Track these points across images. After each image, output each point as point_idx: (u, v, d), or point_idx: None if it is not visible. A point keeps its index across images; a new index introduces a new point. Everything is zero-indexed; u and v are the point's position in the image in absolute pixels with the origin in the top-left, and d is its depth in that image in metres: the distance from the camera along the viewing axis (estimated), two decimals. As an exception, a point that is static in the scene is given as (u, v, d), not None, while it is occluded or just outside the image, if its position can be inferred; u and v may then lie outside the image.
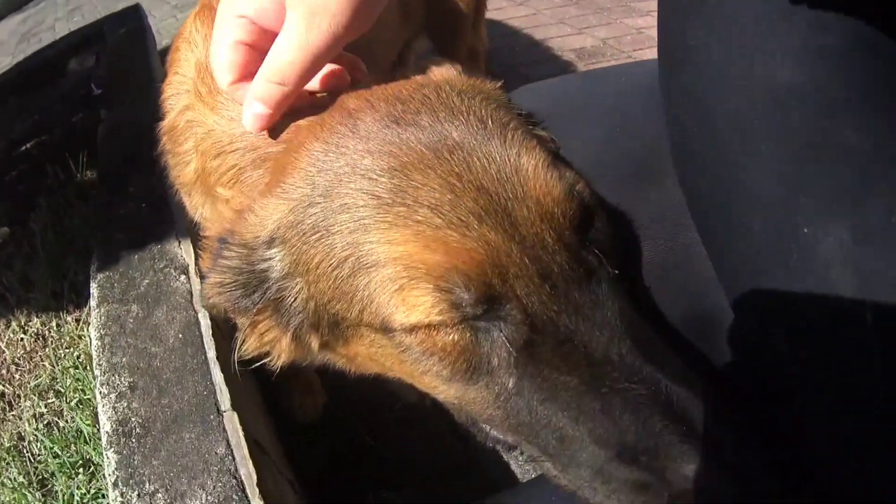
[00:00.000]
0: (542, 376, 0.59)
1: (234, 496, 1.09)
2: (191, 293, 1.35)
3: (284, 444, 1.48)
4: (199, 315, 1.28)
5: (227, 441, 1.12)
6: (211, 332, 1.25)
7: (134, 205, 1.67)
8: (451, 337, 0.60)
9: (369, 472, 1.45)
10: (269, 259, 0.70)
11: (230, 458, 1.11)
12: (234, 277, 0.70)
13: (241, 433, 1.11)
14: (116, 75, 2.46)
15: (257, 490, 1.07)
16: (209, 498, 1.11)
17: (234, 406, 1.15)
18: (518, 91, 1.07)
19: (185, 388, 1.21)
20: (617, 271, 0.64)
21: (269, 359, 0.76)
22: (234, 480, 1.10)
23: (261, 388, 1.55)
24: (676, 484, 0.53)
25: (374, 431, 1.53)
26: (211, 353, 1.21)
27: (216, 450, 1.13)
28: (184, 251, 1.46)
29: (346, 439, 1.52)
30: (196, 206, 1.04)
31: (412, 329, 0.60)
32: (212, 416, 1.16)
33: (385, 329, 0.63)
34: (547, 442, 0.61)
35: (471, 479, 1.39)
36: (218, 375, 1.18)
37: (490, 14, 2.58)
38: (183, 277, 1.39)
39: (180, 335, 1.28)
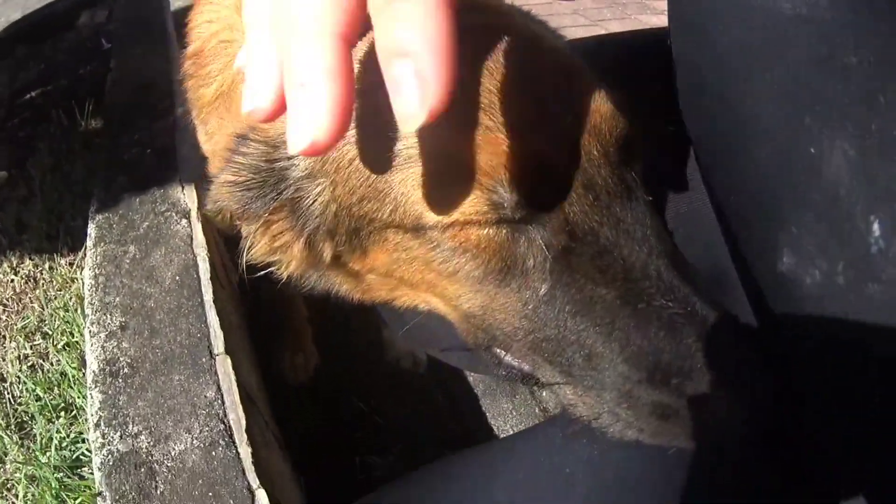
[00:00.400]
0: (577, 286, 0.57)
1: (221, 441, 1.06)
2: (191, 237, 1.32)
3: (273, 405, 1.45)
4: (199, 258, 1.25)
5: (218, 385, 1.09)
6: (209, 276, 1.21)
7: (139, 151, 1.64)
8: (487, 232, 0.58)
9: (359, 438, 1.42)
10: (293, 156, 0.66)
11: (219, 402, 1.08)
12: (249, 175, 0.67)
13: (232, 377, 1.08)
14: (129, 28, 2.43)
15: (245, 436, 1.04)
16: (195, 442, 1.08)
17: (228, 351, 1.12)
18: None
19: (178, 330, 1.17)
20: (651, 198, 0.62)
21: (277, 267, 0.72)
22: (221, 425, 1.07)
23: (254, 348, 1.52)
24: (705, 409, 0.52)
25: (367, 397, 1.50)
26: (208, 296, 1.18)
27: (206, 393, 1.10)
28: (187, 196, 1.43)
29: (337, 404, 1.49)
30: (211, 133, 1.01)
31: (449, 226, 0.58)
32: (204, 360, 1.12)
33: (417, 227, 0.60)
34: (572, 361, 0.58)
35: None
36: (213, 319, 1.15)
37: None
38: (184, 221, 1.36)
39: (177, 277, 1.25)
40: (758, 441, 0.52)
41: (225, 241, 1.56)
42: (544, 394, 1.45)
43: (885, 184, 0.46)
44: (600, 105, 0.61)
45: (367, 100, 0.59)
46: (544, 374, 0.62)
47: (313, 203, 0.67)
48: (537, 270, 0.59)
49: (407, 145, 0.59)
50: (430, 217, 0.58)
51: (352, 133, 0.61)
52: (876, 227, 0.47)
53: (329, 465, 1.38)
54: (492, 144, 0.56)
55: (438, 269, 0.62)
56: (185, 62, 1.03)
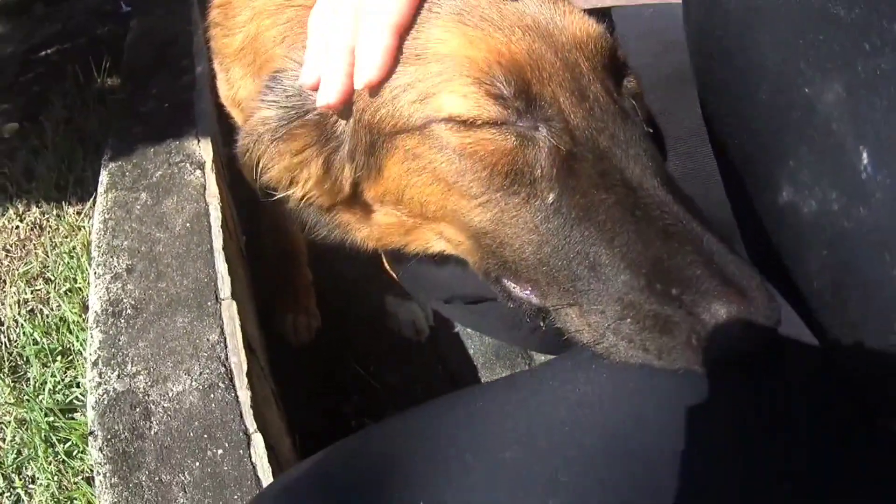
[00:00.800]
0: (581, 192, 0.59)
1: (221, 384, 1.06)
2: (204, 187, 1.32)
3: (272, 363, 1.45)
4: (210, 207, 1.25)
5: (222, 329, 1.09)
6: (220, 224, 1.21)
7: (155, 104, 1.64)
8: (493, 135, 0.61)
9: (355, 401, 1.42)
10: None
11: (222, 345, 1.08)
12: (283, 102, 0.70)
13: (237, 322, 1.08)
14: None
15: (245, 380, 1.04)
16: (194, 383, 1.08)
17: (235, 297, 1.12)
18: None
19: (185, 274, 1.17)
20: (650, 130, 0.66)
21: (293, 186, 0.74)
22: (222, 368, 1.07)
23: (256, 306, 1.52)
24: (706, 320, 0.52)
25: (366, 363, 1.49)
26: (217, 243, 1.18)
27: (209, 336, 1.10)
28: (202, 149, 1.43)
29: (336, 367, 1.49)
30: (233, 81, 1.01)
31: (451, 120, 0.61)
32: (209, 303, 1.12)
33: (423, 126, 0.63)
34: (578, 274, 0.59)
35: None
36: (222, 265, 1.15)
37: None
38: (198, 172, 1.36)
39: (188, 224, 1.24)
40: (760, 350, 0.54)
41: (234, 198, 1.56)
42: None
43: (871, 117, 0.50)
44: (586, 25, 0.66)
45: None
46: (551, 298, 0.63)
47: (336, 121, 0.71)
48: (545, 178, 0.61)
49: (413, 47, 0.64)
50: (434, 113, 0.62)
51: None
52: (865, 155, 0.50)
53: (324, 426, 1.38)
54: (488, 43, 0.61)
55: (446, 177, 0.64)
56: (212, 10, 1.04)
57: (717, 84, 0.71)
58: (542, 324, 0.66)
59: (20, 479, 1.37)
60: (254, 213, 1.66)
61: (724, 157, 0.74)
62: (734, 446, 0.57)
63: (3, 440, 1.46)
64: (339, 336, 1.56)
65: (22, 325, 1.58)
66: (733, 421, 0.58)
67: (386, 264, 1.39)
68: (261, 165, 0.74)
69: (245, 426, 1.01)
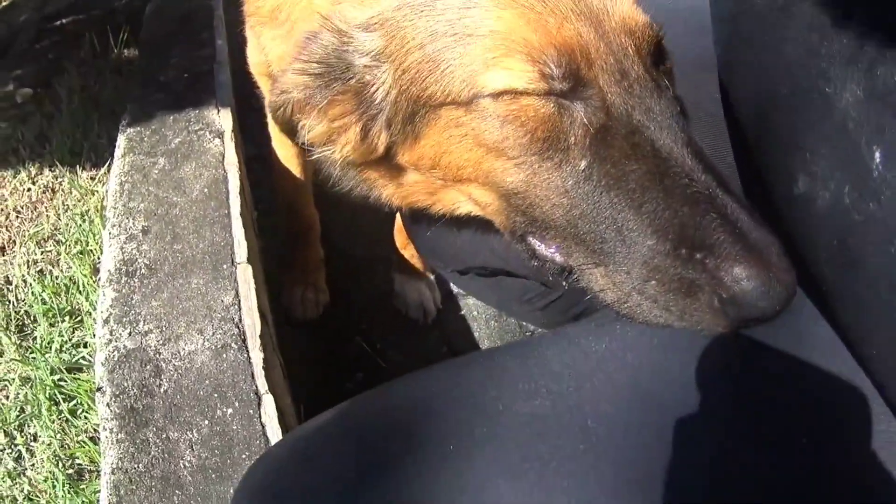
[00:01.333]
0: (612, 161, 0.62)
1: (234, 345, 1.07)
2: (223, 154, 1.33)
3: (279, 338, 1.46)
4: (229, 174, 1.27)
5: (237, 291, 1.10)
6: (238, 191, 1.23)
7: (175, 73, 1.65)
8: (536, 102, 0.64)
9: (360, 378, 1.43)
10: (362, 45, 0.71)
11: (236, 307, 1.09)
12: (320, 63, 0.71)
13: (252, 285, 1.09)
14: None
15: (259, 342, 1.05)
16: (206, 343, 1.09)
17: (250, 262, 1.13)
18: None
19: (201, 237, 1.19)
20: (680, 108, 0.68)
21: (331, 149, 0.75)
22: (236, 329, 1.08)
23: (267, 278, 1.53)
24: (728, 284, 0.55)
25: (372, 341, 1.51)
26: (235, 209, 1.20)
27: (223, 298, 1.11)
28: (222, 118, 1.44)
29: (342, 343, 1.50)
30: (262, 45, 1.02)
31: (501, 93, 0.64)
32: (225, 266, 1.14)
33: (471, 100, 0.66)
34: (605, 237, 0.62)
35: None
36: (238, 229, 1.16)
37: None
38: (217, 140, 1.37)
39: (205, 189, 1.26)
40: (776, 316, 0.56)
41: (248, 171, 1.57)
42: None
43: (886, 120, 0.52)
44: (636, 14, 0.68)
45: None
46: (577, 258, 0.66)
47: (376, 90, 0.72)
48: (578, 146, 0.64)
49: (466, 24, 0.65)
50: (488, 85, 0.64)
51: (418, 14, 0.68)
52: (877, 155, 0.53)
53: (329, 400, 1.38)
54: (543, 26, 0.64)
55: (488, 142, 0.67)
56: None
57: (740, 75, 0.75)
58: (564, 283, 0.68)
59: (22, 437, 1.38)
60: (265, 188, 1.68)
61: (742, 146, 0.76)
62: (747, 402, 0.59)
63: (7, 397, 1.47)
64: (345, 314, 1.58)
65: (31, 284, 1.59)
66: (744, 378, 0.60)
67: (402, 230, 1.40)
68: (298, 122, 0.75)
69: (256, 387, 1.03)
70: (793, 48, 0.64)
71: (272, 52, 1.00)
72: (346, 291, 1.60)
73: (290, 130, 0.78)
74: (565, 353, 0.63)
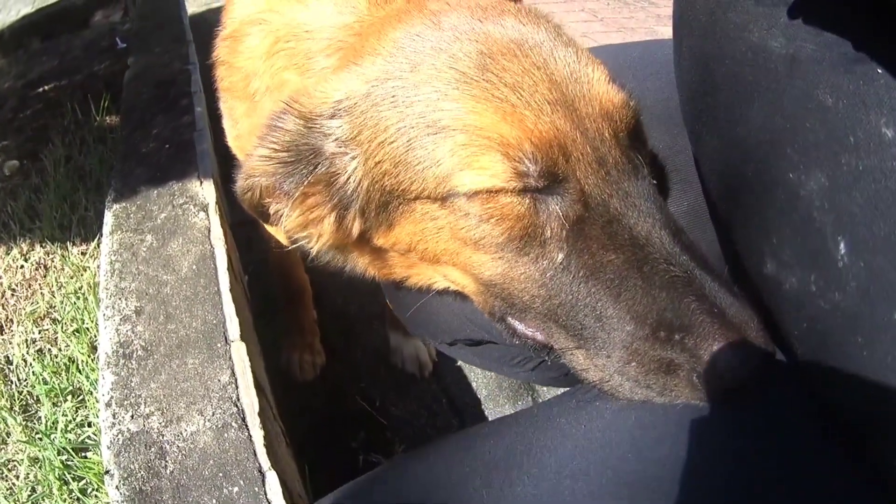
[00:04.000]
0: (590, 252, 0.63)
1: (234, 423, 1.09)
2: (209, 229, 1.36)
3: (278, 400, 1.49)
4: (216, 249, 1.29)
5: (232, 370, 1.13)
6: (226, 266, 1.25)
7: (156, 144, 1.68)
8: (511, 200, 0.64)
9: (363, 437, 1.45)
10: (329, 131, 0.71)
11: (233, 386, 1.12)
12: (285, 149, 0.71)
13: (247, 363, 1.12)
14: (146, 26, 2.48)
15: (258, 419, 1.08)
16: (207, 423, 1.11)
17: (243, 338, 1.16)
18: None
19: (193, 316, 1.21)
20: (655, 182, 0.69)
21: (307, 240, 0.77)
22: (234, 408, 1.10)
23: (261, 344, 1.55)
24: (706, 361, 0.57)
25: (372, 399, 1.53)
26: (224, 285, 1.22)
27: (219, 377, 1.13)
28: (205, 191, 1.47)
29: (342, 403, 1.52)
30: (237, 119, 1.04)
31: (477, 193, 0.64)
32: (219, 345, 1.16)
33: (446, 196, 0.66)
34: (584, 324, 0.63)
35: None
36: (229, 306, 1.19)
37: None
38: (202, 214, 1.40)
39: (194, 266, 1.28)
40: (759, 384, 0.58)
41: (237, 240, 1.60)
42: (548, 397, 1.49)
43: (851, 210, 0.53)
44: (613, 95, 0.68)
45: (402, 81, 0.67)
46: (558, 340, 0.67)
47: (347, 179, 0.72)
48: (555, 240, 0.65)
49: (440, 118, 0.65)
50: (463, 183, 0.64)
51: (388, 105, 0.68)
52: (842, 246, 0.53)
53: (333, 461, 1.41)
54: (519, 120, 0.63)
55: (464, 238, 0.67)
56: (219, 46, 1.06)
57: (707, 149, 0.75)
58: (546, 359, 0.70)
59: (35, 517, 1.40)
60: (256, 252, 1.71)
61: (715, 215, 0.77)
62: (732, 471, 0.61)
63: (17, 477, 1.49)
64: (343, 372, 1.60)
65: (31, 364, 1.61)
66: (729, 447, 0.62)
67: (389, 303, 1.42)
68: (268, 206, 0.76)
69: (259, 464, 1.05)
70: (756, 128, 0.64)
71: (244, 127, 1.02)
72: (343, 349, 1.62)
73: (261, 214, 0.78)
74: (546, 436, 0.66)
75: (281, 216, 0.76)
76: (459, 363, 1.61)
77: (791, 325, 0.61)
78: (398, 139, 0.67)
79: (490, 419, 1.48)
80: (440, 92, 0.65)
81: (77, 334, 1.59)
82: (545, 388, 1.52)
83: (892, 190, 0.50)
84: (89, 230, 1.84)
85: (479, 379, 1.58)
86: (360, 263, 0.85)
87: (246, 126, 0.99)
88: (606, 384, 0.63)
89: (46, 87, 2.77)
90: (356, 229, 0.75)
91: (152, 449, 1.14)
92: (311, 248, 0.77)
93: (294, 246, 0.79)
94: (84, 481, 1.39)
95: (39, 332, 1.68)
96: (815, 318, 0.57)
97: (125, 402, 1.20)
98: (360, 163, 0.71)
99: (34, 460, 1.48)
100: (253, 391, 1.09)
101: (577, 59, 0.69)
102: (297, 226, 0.76)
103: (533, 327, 0.70)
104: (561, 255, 0.64)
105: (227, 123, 1.13)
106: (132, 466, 1.13)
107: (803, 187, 0.57)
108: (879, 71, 0.53)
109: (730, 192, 0.70)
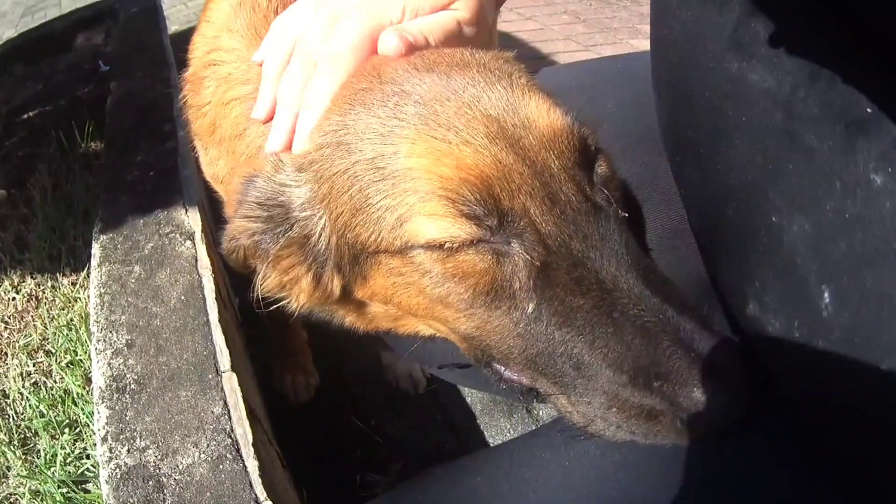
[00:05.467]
0: (559, 299, 0.61)
1: (228, 455, 1.10)
2: (196, 258, 1.36)
3: (274, 424, 1.49)
4: (204, 279, 1.30)
5: (225, 401, 1.13)
6: (214, 296, 1.26)
7: (141, 172, 1.68)
8: (471, 257, 0.63)
9: (359, 456, 1.46)
10: (294, 186, 0.71)
11: (226, 417, 1.12)
12: (259, 214, 0.72)
13: (239, 394, 1.12)
14: (128, 49, 2.48)
15: (252, 450, 1.08)
16: (202, 456, 1.12)
17: (233, 369, 1.16)
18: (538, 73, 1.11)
19: (184, 348, 1.22)
20: (626, 214, 0.67)
21: (287, 300, 0.77)
22: (228, 440, 1.11)
23: (254, 368, 1.56)
24: (687, 408, 0.56)
25: (367, 417, 1.54)
26: (213, 316, 1.22)
27: (212, 409, 1.14)
28: (191, 219, 1.48)
29: (337, 423, 1.53)
30: (212, 160, 1.04)
31: (430, 246, 0.63)
32: (210, 376, 1.16)
33: (403, 249, 0.65)
34: (564, 371, 0.62)
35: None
36: (219, 337, 1.19)
37: (499, 26, 2.64)
38: (188, 243, 1.41)
39: (183, 297, 1.29)
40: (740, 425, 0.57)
41: (226, 265, 1.60)
42: (541, 412, 1.50)
43: (835, 258, 0.50)
44: (554, 120, 0.66)
45: (346, 131, 0.68)
46: (542, 385, 0.67)
47: (319, 238, 0.72)
48: (523, 290, 0.63)
49: (384, 164, 0.64)
50: (414, 237, 0.63)
51: (338, 156, 0.68)
52: (826, 295, 0.51)
53: (330, 482, 1.42)
54: (456, 158, 0.62)
55: (430, 294, 0.66)
56: (185, 86, 1.07)
57: (688, 180, 0.72)
58: (534, 401, 0.70)
59: (39, 551, 1.41)
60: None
61: (699, 244, 0.75)
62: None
63: (19, 512, 1.49)
64: (337, 392, 1.60)
65: (27, 397, 1.61)
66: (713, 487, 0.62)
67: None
68: (254, 265, 0.77)
69: (255, 495, 1.05)
70: (737, 168, 0.61)
71: (219, 169, 1.03)
72: (337, 369, 1.63)
73: (252, 273, 0.79)
74: (531, 472, 0.66)
75: (262, 275, 0.76)
76: (452, 379, 1.62)
77: (775, 363, 0.60)
78: (351, 187, 0.66)
79: (486, 434, 1.49)
80: (380, 136, 0.65)
81: (71, 366, 1.60)
82: (539, 405, 1.53)
83: (880, 239, 0.47)
84: (79, 260, 1.84)
85: (474, 394, 1.59)
86: (347, 319, 0.85)
87: (222, 168, 0.99)
88: (591, 427, 0.63)
89: (31, 114, 2.77)
90: (337, 286, 0.74)
91: (150, 483, 1.15)
92: (292, 307, 0.77)
93: (276, 306, 0.79)
94: (85, 514, 1.40)
95: (34, 365, 1.68)
96: (800, 364, 0.56)
97: (121, 437, 1.20)
98: (326, 218, 0.70)
99: (35, 493, 1.49)
100: (246, 422, 1.10)
101: (511, 92, 0.67)
102: (275, 287, 0.76)
103: (517, 372, 0.69)
104: (531, 305, 0.63)
105: (202, 162, 1.14)
106: (131, 500, 1.14)
107: (786, 233, 0.55)
108: (869, 111, 0.50)
109: (712, 227, 0.68)
